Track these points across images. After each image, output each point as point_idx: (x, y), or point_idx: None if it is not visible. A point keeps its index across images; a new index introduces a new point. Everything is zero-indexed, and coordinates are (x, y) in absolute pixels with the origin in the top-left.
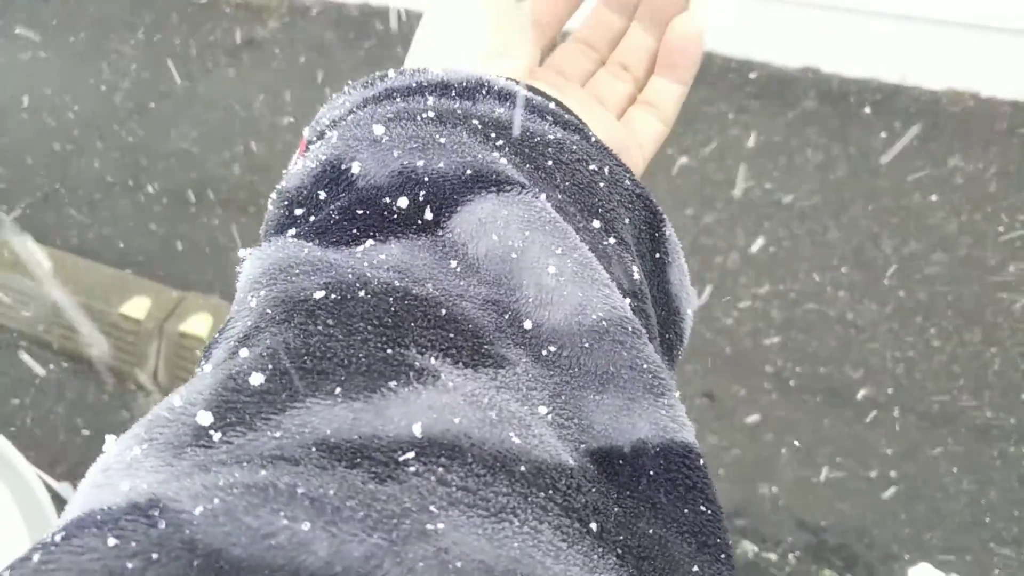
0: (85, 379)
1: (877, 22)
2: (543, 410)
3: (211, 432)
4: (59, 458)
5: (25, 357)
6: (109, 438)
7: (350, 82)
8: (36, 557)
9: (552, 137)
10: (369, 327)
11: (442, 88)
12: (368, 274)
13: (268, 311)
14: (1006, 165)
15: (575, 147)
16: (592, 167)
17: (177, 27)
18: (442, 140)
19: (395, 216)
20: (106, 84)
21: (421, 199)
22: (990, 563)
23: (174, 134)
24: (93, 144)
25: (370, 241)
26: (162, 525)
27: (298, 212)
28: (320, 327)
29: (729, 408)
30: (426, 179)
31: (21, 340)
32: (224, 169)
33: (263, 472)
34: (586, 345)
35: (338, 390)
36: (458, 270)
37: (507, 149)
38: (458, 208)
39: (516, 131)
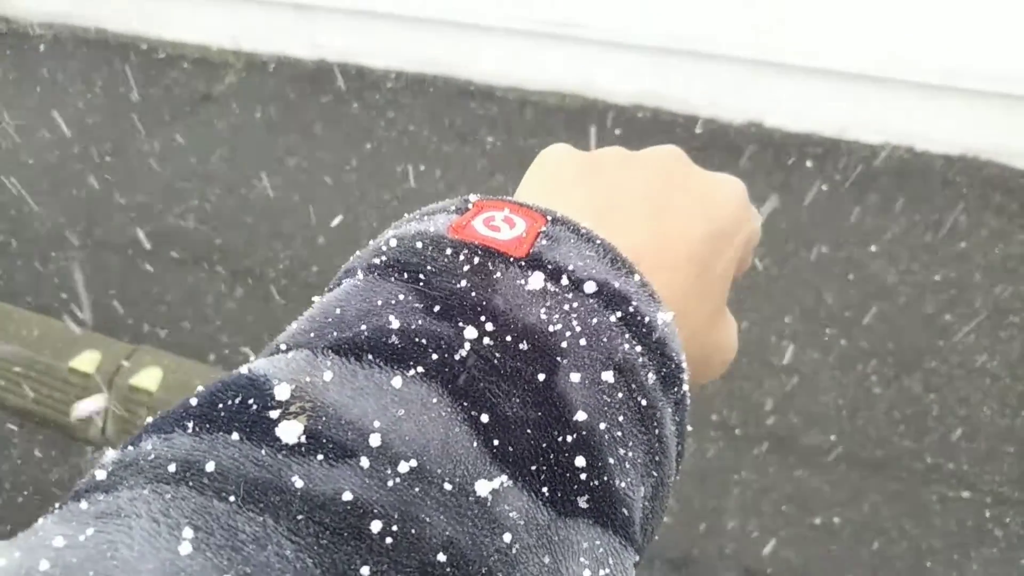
0: (31, 434)
1: (817, 79)
2: None
3: None
4: (3, 517)
5: None
6: None
7: None
8: None
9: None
10: None
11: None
12: None
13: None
14: (940, 216)
15: None
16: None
17: (135, 82)
18: None
19: None
20: (62, 138)
21: None
22: None
23: (130, 188)
24: (48, 197)
25: None
26: None
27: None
28: None
29: None
30: None
31: None
32: (180, 223)
33: None
34: None
35: None
36: None
37: None
38: None
39: None
